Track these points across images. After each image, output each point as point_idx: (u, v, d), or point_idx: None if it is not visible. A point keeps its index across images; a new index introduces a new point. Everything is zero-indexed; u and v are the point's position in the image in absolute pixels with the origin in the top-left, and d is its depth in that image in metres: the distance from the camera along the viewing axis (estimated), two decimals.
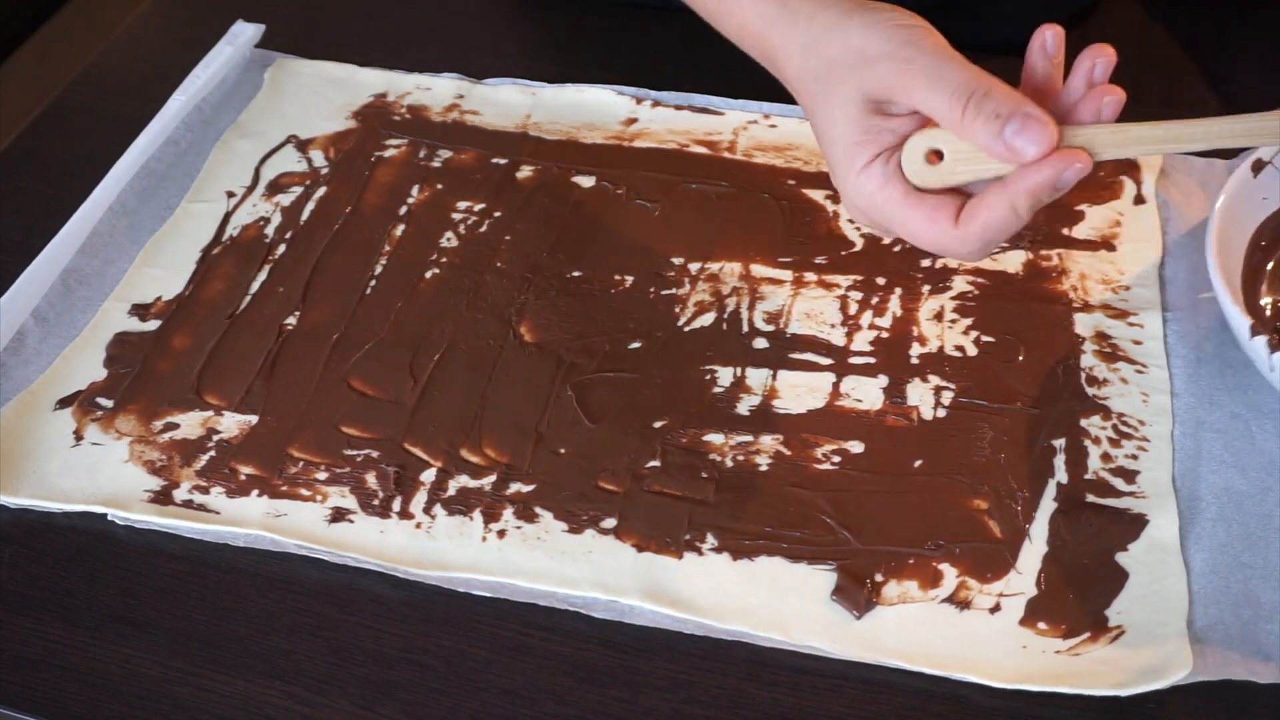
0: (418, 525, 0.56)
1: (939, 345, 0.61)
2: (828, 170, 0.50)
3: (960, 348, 0.61)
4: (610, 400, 0.60)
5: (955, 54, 0.47)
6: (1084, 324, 0.62)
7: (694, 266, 0.66)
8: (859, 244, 0.66)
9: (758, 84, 0.75)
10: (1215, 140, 0.46)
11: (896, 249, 0.66)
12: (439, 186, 0.71)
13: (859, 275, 0.65)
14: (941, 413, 0.59)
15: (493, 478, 0.57)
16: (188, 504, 0.57)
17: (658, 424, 0.59)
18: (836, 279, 0.65)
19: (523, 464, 0.57)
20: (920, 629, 0.51)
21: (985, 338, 0.61)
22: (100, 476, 0.58)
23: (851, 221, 0.67)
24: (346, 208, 0.70)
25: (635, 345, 0.62)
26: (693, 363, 0.61)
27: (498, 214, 0.69)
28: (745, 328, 0.63)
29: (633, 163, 0.71)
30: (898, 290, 0.64)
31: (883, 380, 0.60)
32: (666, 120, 0.74)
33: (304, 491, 0.57)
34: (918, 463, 0.57)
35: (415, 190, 0.71)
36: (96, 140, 0.74)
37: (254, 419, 0.60)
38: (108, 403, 0.61)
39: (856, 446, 0.57)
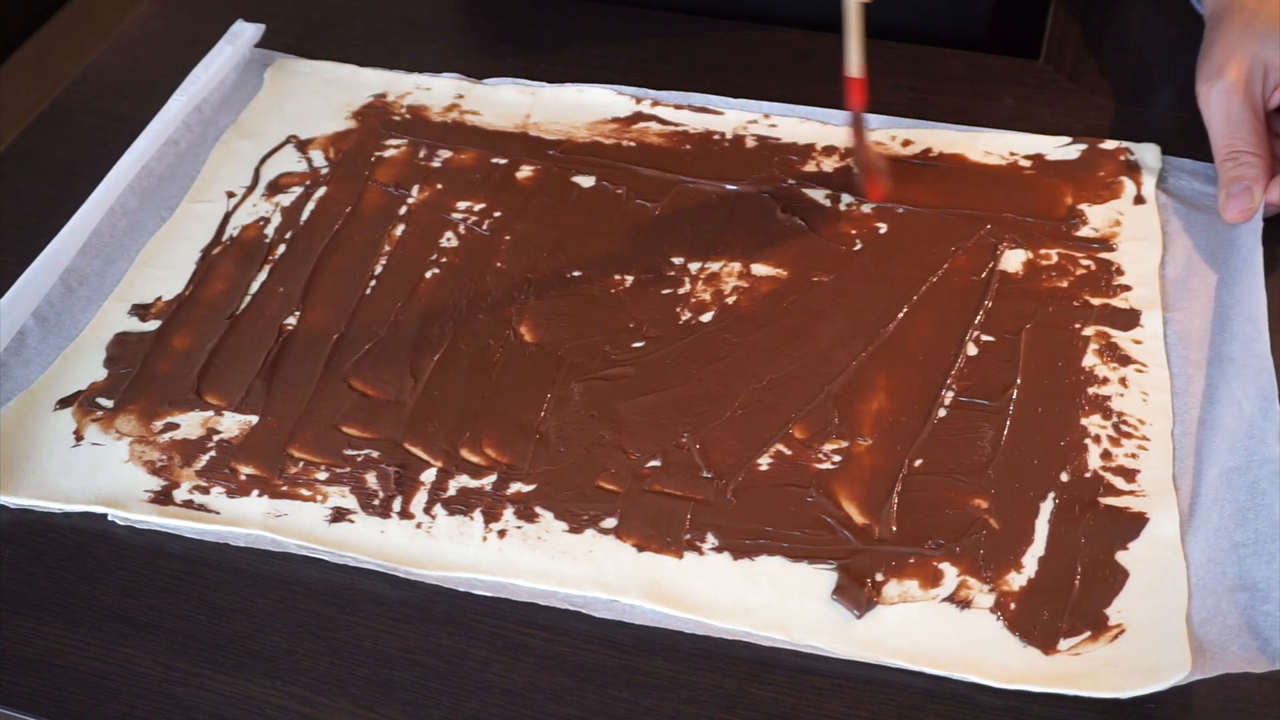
0: (418, 525, 0.56)
1: None
2: None
3: None
4: (610, 400, 0.60)
5: None
6: (1084, 324, 0.62)
7: (694, 266, 0.66)
8: (859, 244, 0.66)
9: (758, 84, 0.76)
10: None
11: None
12: (439, 186, 0.71)
13: (860, 274, 0.65)
14: (942, 413, 0.59)
15: (493, 478, 0.57)
16: (188, 504, 0.57)
17: (659, 424, 0.59)
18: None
19: (523, 464, 0.57)
20: (921, 628, 0.51)
21: (985, 337, 0.61)
22: (100, 476, 0.58)
23: (852, 219, 0.67)
24: (346, 208, 0.70)
25: (636, 345, 0.62)
26: (693, 362, 0.61)
27: (498, 214, 0.69)
28: None
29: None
30: None
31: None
32: (666, 119, 0.74)
33: (304, 491, 0.57)
34: (918, 463, 0.57)
35: (415, 190, 0.71)
36: (96, 140, 0.74)
37: (254, 419, 0.60)
38: (108, 403, 0.61)
39: (858, 446, 0.57)
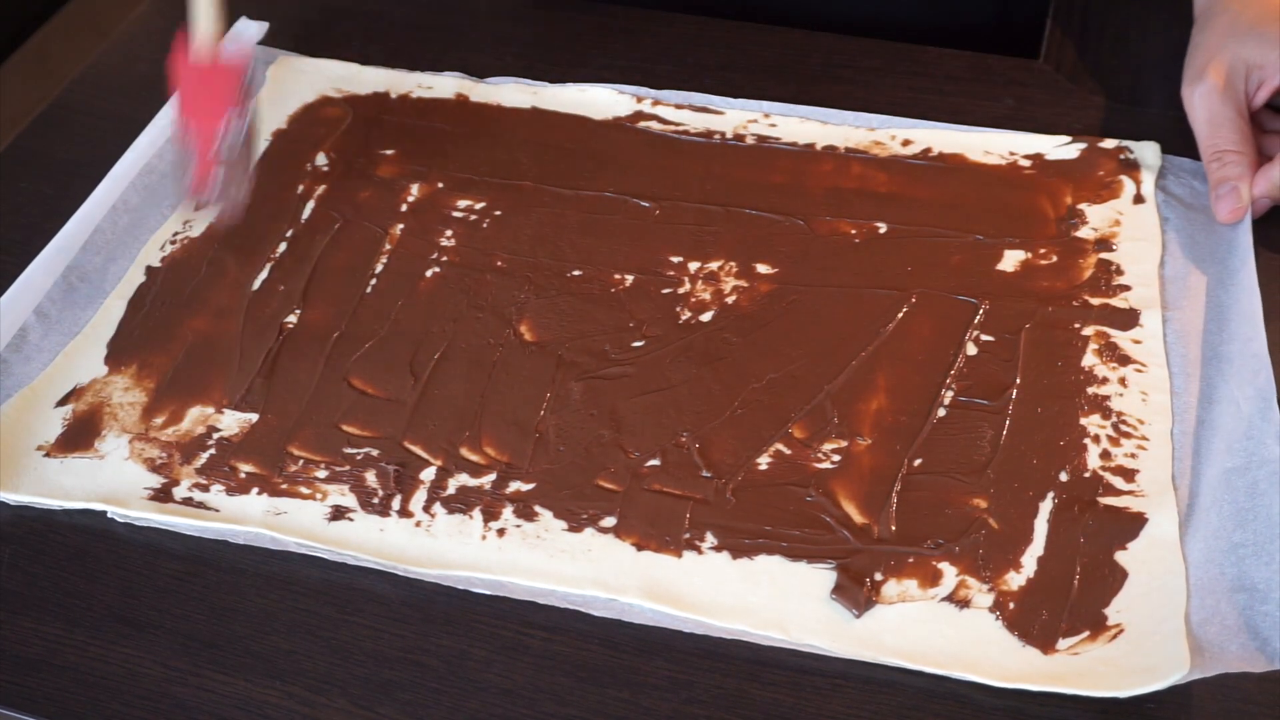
0: (417, 524, 0.56)
1: None
2: None
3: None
4: (610, 399, 0.60)
5: None
6: (1084, 324, 0.62)
7: (693, 265, 0.66)
8: (858, 244, 0.66)
9: (758, 84, 0.76)
10: None
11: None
12: (439, 185, 0.71)
13: (860, 274, 0.65)
14: (941, 412, 0.59)
15: (492, 476, 0.57)
16: (188, 501, 0.57)
17: (658, 423, 0.59)
18: None
19: (522, 463, 0.57)
20: (920, 628, 0.51)
21: (985, 337, 0.61)
22: (100, 474, 0.58)
23: (852, 219, 0.67)
24: (347, 206, 0.70)
25: (635, 344, 0.62)
26: (693, 362, 0.61)
27: (498, 212, 0.69)
28: None
29: None
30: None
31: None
32: (667, 119, 0.74)
33: (304, 490, 0.57)
34: (918, 462, 0.57)
35: (415, 189, 0.71)
36: (96, 140, 0.74)
37: (254, 417, 0.60)
38: None
39: (857, 445, 0.57)
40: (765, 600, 0.52)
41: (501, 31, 0.83)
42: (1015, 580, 0.52)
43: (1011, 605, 0.52)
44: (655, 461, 0.57)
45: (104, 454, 0.58)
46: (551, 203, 0.70)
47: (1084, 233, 0.66)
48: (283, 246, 0.68)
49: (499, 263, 0.66)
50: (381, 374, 0.62)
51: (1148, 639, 0.50)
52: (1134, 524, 0.54)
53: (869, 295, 0.64)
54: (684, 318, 0.63)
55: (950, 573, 0.53)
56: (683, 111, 0.74)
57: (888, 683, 0.50)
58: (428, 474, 0.57)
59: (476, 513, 0.56)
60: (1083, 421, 0.58)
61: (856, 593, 0.52)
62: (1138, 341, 0.61)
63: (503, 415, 0.59)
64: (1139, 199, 0.67)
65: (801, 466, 0.57)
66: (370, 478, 0.57)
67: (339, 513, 0.56)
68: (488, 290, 0.65)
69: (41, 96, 0.80)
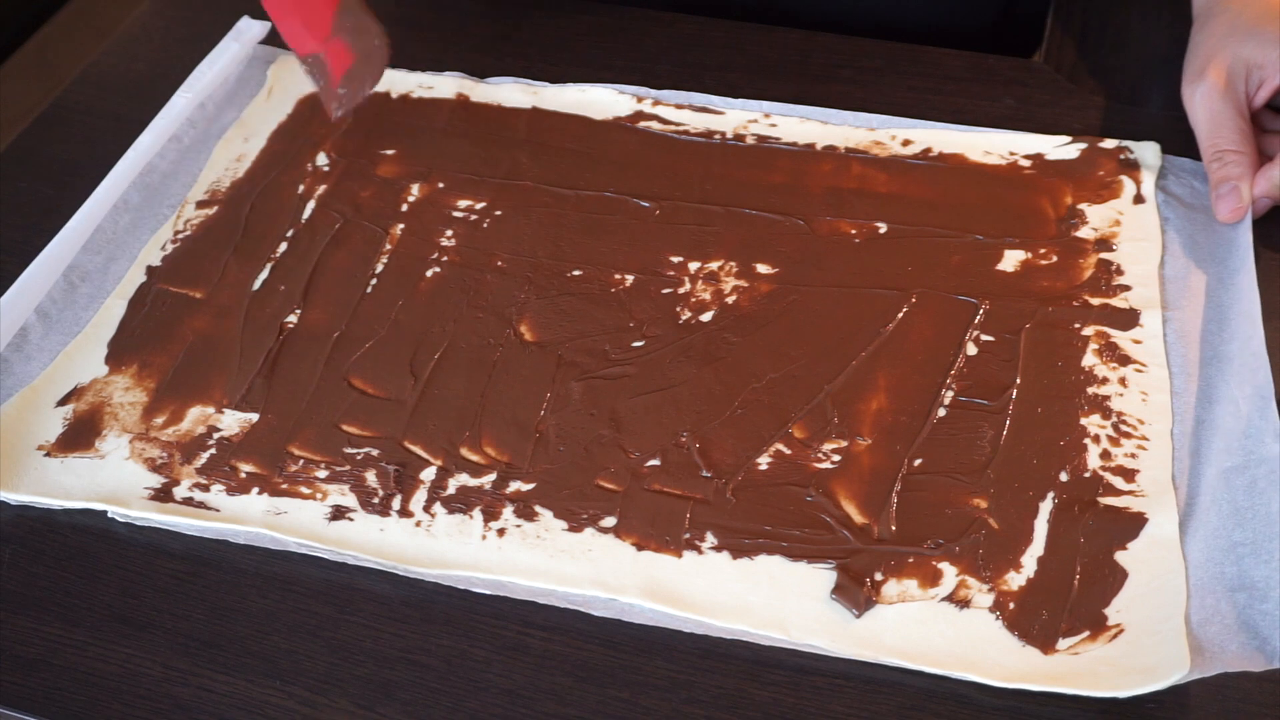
0: (417, 524, 0.56)
1: None
2: None
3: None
4: (610, 399, 0.60)
5: None
6: (1084, 324, 0.62)
7: (694, 265, 0.66)
8: (858, 243, 0.66)
9: (757, 84, 0.76)
10: None
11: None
12: (439, 185, 0.71)
13: (860, 274, 0.65)
14: (941, 412, 0.59)
15: (492, 476, 0.57)
16: (188, 501, 0.57)
17: (658, 423, 0.59)
18: None
19: (522, 463, 0.58)
20: (920, 628, 0.51)
21: (985, 337, 0.61)
22: (101, 473, 0.58)
23: (852, 219, 0.67)
24: (348, 206, 0.70)
25: (636, 344, 0.62)
26: (693, 362, 0.61)
27: (498, 213, 0.69)
28: None
29: None
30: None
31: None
32: (667, 119, 0.74)
33: (304, 489, 0.57)
34: (918, 462, 0.57)
35: (416, 188, 0.71)
36: (96, 140, 0.74)
37: (254, 417, 0.60)
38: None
39: (857, 445, 0.57)
40: (765, 600, 0.52)
41: (501, 31, 0.83)
42: (1015, 580, 0.53)
43: (1011, 605, 0.52)
44: (655, 461, 0.57)
45: (104, 454, 0.59)
46: (551, 203, 0.70)
47: (1084, 233, 0.66)
48: (283, 246, 0.68)
49: (499, 263, 0.66)
50: (381, 374, 0.62)
51: (1148, 639, 0.50)
52: (1134, 524, 0.54)
53: (869, 295, 0.64)
54: (684, 318, 0.63)
55: (950, 573, 0.53)
56: (683, 111, 0.74)
57: (888, 683, 0.50)
58: (428, 474, 0.57)
59: (476, 513, 0.56)
60: (1083, 421, 0.58)
61: (856, 593, 0.52)
62: (1138, 341, 0.61)
63: (503, 415, 0.59)
64: (1139, 199, 0.67)
65: (801, 466, 0.57)
66: (370, 478, 0.57)
67: (339, 513, 0.56)
68: (488, 290, 0.65)
69: (41, 96, 0.80)
